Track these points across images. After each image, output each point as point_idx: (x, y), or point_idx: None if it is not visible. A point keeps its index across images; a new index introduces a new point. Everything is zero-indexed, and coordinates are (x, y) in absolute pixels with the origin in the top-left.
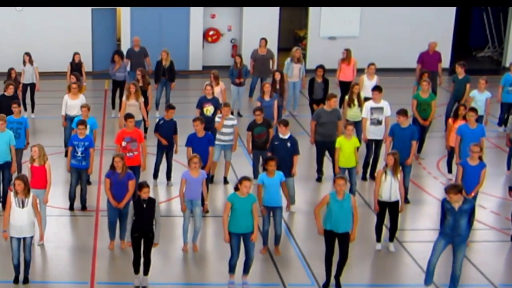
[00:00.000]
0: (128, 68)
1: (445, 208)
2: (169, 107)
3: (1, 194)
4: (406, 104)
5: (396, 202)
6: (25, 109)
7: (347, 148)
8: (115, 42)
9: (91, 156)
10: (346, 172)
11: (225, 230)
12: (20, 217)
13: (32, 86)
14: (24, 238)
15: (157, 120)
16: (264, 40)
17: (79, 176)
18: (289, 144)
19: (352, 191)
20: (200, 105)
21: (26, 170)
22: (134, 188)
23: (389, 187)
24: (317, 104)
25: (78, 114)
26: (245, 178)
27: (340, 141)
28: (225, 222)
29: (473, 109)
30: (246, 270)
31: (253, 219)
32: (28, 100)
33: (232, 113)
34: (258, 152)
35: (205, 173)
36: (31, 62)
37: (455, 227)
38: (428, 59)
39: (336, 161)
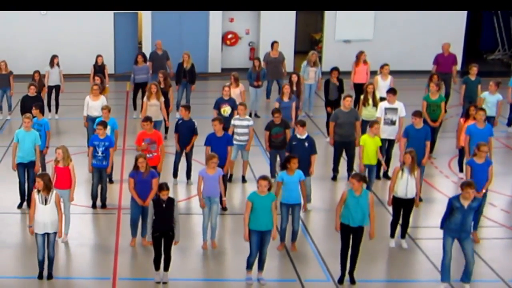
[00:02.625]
0: (150, 71)
1: (454, 206)
2: (183, 106)
3: (28, 193)
4: (418, 105)
5: (411, 200)
6: (49, 110)
7: (371, 146)
8: (136, 45)
9: (111, 155)
10: (367, 169)
11: (246, 228)
12: (43, 214)
13: (57, 88)
14: (48, 234)
15: (177, 120)
16: (276, 43)
17: (100, 175)
18: (306, 144)
19: (369, 189)
20: (217, 105)
21: (50, 170)
22: (157, 185)
23: (405, 185)
24: (332, 105)
25: (100, 115)
26: (261, 178)
27: (365, 139)
28: (246, 221)
29: (482, 109)
30: (260, 266)
31: (273, 216)
32: (53, 102)
33: (250, 115)
34: (275, 152)
35: (221, 170)
36: (58, 64)
37: (463, 224)
38: (443, 60)
39: (360, 159)
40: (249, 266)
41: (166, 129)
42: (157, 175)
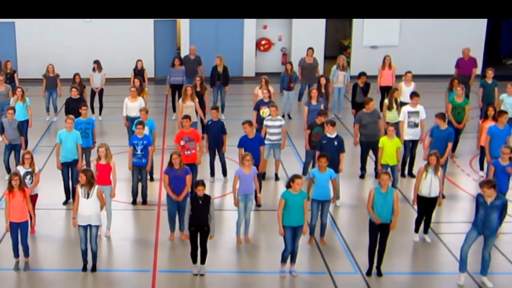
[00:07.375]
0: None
1: (479, 201)
2: (213, 108)
3: (72, 189)
4: (441, 108)
5: (434, 198)
6: (93, 112)
7: (389, 147)
8: (175, 50)
9: (150, 154)
10: (389, 169)
11: (280, 224)
12: (86, 207)
13: (100, 90)
14: (90, 227)
15: (206, 121)
16: (311, 50)
17: (140, 172)
18: (336, 143)
19: (393, 187)
20: (258, 107)
21: (92, 167)
22: (191, 182)
23: (429, 184)
24: (358, 107)
25: (137, 115)
26: (297, 176)
27: (383, 141)
28: (280, 217)
29: (504, 112)
30: (293, 259)
31: (304, 213)
32: (96, 104)
33: (283, 116)
34: (313, 152)
35: (256, 168)
36: (99, 69)
37: (486, 220)
38: (464, 64)
39: (378, 159)
40: (283, 260)
41: (203, 127)
42: (191, 171)
